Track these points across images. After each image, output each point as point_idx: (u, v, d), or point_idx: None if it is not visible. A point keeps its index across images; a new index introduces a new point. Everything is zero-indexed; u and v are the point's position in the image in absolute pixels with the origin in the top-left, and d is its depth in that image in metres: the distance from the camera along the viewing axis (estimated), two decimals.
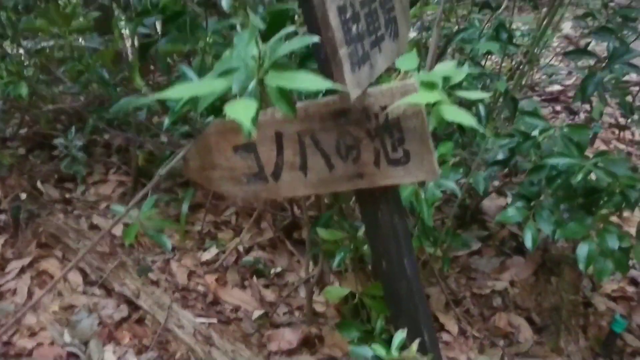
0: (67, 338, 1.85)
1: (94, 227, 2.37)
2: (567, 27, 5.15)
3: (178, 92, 0.71)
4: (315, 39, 0.89)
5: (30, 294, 2.03)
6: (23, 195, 2.55)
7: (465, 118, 0.94)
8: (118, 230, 2.24)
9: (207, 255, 2.24)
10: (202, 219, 2.45)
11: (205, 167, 1.31)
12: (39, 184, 2.66)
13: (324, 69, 0.98)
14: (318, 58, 0.98)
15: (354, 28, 1.00)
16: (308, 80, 0.78)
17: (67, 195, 2.64)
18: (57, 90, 2.86)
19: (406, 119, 1.06)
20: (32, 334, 1.85)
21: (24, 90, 2.32)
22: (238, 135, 1.22)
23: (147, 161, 2.72)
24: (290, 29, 0.87)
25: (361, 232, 1.60)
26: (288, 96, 0.89)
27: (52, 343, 1.84)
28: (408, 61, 1.13)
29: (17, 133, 3.08)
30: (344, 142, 1.13)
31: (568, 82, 4.23)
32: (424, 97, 0.97)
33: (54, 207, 2.50)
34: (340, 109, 1.10)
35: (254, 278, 2.12)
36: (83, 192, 2.68)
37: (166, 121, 1.29)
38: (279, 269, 2.16)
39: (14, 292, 2.04)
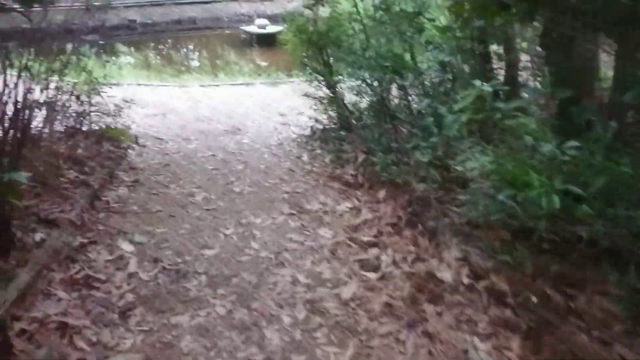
0: None
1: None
2: None
3: None
4: None
5: None
6: (533, 297, 2.67)
7: None
8: None
9: None
10: None
11: None
12: (544, 287, 2.73)
13: None
14: None
15: None
16: None
17: (572, 304, 2.63)
18: None
19: None
20: None
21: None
22: None
23: None
24: None
25: None
26: None
27: None
28: None
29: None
30: None
31: None
32: None
33: (564, 317, 2.52)
34: None
35: None
36: (588, 303, 2.62)
37: None
38: None
39: None
